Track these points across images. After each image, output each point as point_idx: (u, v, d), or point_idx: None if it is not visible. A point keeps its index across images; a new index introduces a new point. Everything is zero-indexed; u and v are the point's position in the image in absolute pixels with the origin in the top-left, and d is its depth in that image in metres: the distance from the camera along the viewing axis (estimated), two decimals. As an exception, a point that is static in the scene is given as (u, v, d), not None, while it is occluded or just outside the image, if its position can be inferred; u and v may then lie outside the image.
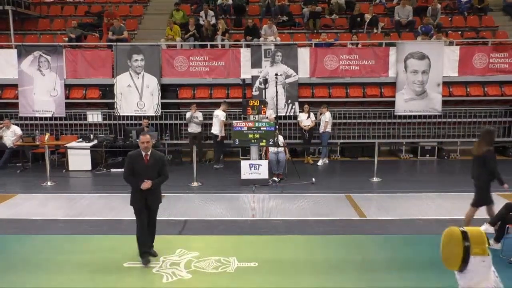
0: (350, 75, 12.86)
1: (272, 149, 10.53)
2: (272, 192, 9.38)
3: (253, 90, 12.81)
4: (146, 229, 5.84)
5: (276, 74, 11.74)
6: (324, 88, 13.13)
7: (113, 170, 11.41)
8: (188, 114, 12.24)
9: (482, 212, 7.62)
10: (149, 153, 5.72)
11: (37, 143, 11.83)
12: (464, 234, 2.52)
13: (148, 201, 5.78)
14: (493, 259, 6.19)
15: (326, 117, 12.12)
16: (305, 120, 12.20)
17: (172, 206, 8.38)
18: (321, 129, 12.20)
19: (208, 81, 13.00)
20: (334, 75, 12.86)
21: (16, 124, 12.27)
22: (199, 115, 12.22)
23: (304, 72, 12.85)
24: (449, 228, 2.64)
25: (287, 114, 12.86)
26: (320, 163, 12.17)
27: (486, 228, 6.68)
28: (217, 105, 13.16)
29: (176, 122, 13.08)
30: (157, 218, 7.67)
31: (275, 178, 10.09)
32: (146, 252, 5.85)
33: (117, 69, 12.76)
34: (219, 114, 11.72)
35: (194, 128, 12.23)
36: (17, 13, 14.86)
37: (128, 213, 7.76)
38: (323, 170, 11.71)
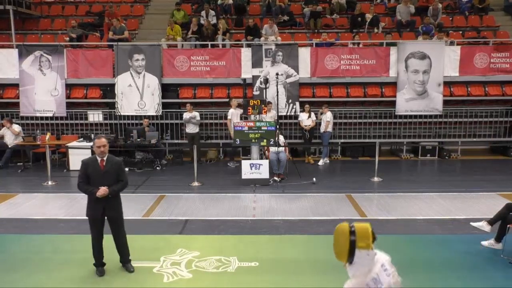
0: (351, 75, 12.85)
1: (272, 149, 10.53)
2: (273, 192, 9.38)
3: (254, 90, 12.81)
4: (100, 242, 5.54)
5: (277, 74, 11.75)
6: (325, 88, 13.13)
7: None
8: (185, 115, 12.22)
9: (480, 212, 7.64)
10: (105, 158, 5.35)
11: (38, 142, 11.84)
12: (352, 230, 2.80)
13: (106, 211, 5.41)
14: (494, 258, 6.21)
15: (327, 116, 12.12)
16: (306, 120, 12.20)
17: (173, 206, 8.39)
18: (322, 129, 12.21)
19: (208, 80, 13.00)
20: (335, 75, 12.86)
21: (17, 124, 12.29)
22: (196, 115, 12.21)
23: (305, 72, 12.85)
24: (340, 224, 2.89)
25: (288, 114, 12.86)
26: (321, 162, 12.17)
27: (482, 225, 6.69)
28: (217, 105, 13.22)
29: (176, 121, 13.08)
30: (158, 217, 7.74)
31: (275, 178, 10.09)
32: (102, 264, 5.61)
33: (118, 68, 12.77)
34: (228, 113, 11.78)
35: (192, 128, 12.23)
36: (18, 12, 14.86)
37: (128, 213, 7.77)
38: (324, 170, 11.71)
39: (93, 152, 11.22)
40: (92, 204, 5.43)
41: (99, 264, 5.63)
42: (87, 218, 5.56)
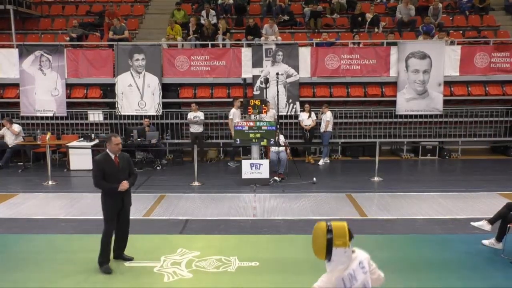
0: (351, 74, 12.85)
1: (273, 149, 10.53)
2: (273, 192, 9.38)
3: (254, 89, 12.81)
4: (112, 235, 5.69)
5: (277, 74, 11.76)
6: (325, 88, 13.13)
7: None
8: (189, 115, 12.24)
9: (481, 212, 7.64)
10: (117, 155, 5.58)
11: (39, 142, 11.85)
12: (329, 228, 2.90)
13: (124, 203, 5.67)
14: (494, 258, 6.20)
15: (327, 116, 12.11)
16: (306, 119, 12.20)
17: (173, 206, 8.40)
18: (322, 129, 12.21)
19: (209, 80, 13.00)
20: (335, 74, 12.85)
21: (17, 123, 12.31)
22: (200, 115, 12.23)
23: (305, 71, 12.84)
24: (318, 223, 2.99)
25: (288, 113, 12.86)
26: (321, 162, 12.17)
27: (482, 224, 6.69)
28: (217, 105, 13.22)
29: (177, 121, 13.09)
30: (159, 217, 7.78)
31: (276, 178, 10.09)
32: (108, 260, 5.68)
33: (118, 68, 12.77)
34: (230, 113, 11.79)
35: (196, 128, 12.25)
36: (19, 12, 14.87)
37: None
38: (324, 170, 11.71)
39: (93, 152, 11.40)
40: (112, 200, 5.58)
41: (109, 260, 5.69)
42: (100, 215, 5.71)
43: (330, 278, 2.93)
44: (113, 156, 5.55)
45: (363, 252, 3.08)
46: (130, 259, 5.86)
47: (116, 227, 5.70)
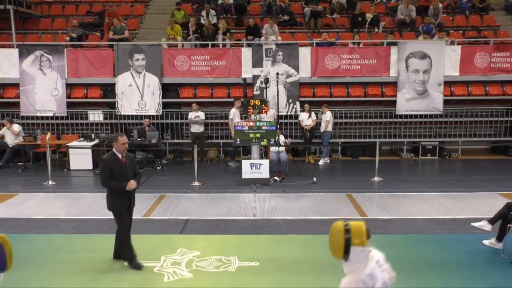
0: (351, 74, 12.85)
1: (273, 149, 10.53)
2: (273, 192, 9.38)
3: (254, 89, 12.81)
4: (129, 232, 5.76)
5: (277, 74, 11.76)
6: (325, 88, 13.13)
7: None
8: (190, 115, 12.25)
9: (481, 212, 7.64)
10: (124, 154, 5.64)
11: (39, 142, 11.85)
12: (346, 228, 2.91)
13: (130, 203, 5.75)
14: (494, 258, 6.21)
15: (327, 116, 12.11)
16: (306, 119, 12.20)
17: (173, 206, 8.40)
18: (322, 129, 12.20)
19: (209, 80, 13.00)
20: (335, 74, 12.85)
21: (18, 123, 12.31)
22: (201, 115, 12.23)
23: (305, 71, 12.84)
24: (335, 222, 3.02)
25: (288, 113, 12.86)
26: (321, 162, 12.17)
27: (483, 224, 6.70)
28: (217, 105, 13.22)
29: (177, 121, 13.09)
30: (159, 217, 7.81)
31: (276, 178, 10.09)
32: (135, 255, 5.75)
33: (118, 68, 12.77)
34: (230, 113, 11.79)
35: (196, 128, 12.25)
36: (19, 12, 14.87)
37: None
38: (324, 170, 11.71)
39: (93, 152, 11.40)
40: (121, 198, 5.63)
41: (135, 255, 5.72)
42: (110, 214, 5.76)
43: (350, 282, 2.91)
44: (120, 156, 5.60)
45: (378, 251, 3.09)
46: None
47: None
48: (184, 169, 11.43)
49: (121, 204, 5.64)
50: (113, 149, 5.61)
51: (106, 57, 12.99)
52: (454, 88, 13.00)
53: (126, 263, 5.81)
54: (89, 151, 11.47)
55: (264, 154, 11.26)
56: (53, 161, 11.23)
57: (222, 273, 5.58)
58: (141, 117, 12.80)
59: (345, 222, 2.95)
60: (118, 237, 5.82)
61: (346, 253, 2.90)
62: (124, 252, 5.75)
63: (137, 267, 5.65)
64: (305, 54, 12.84)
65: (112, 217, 6.61)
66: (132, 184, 5.54)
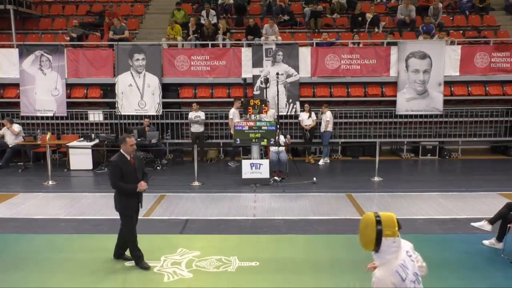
0: (351, 74, 12.85)
1: (273, 149, 10.53)
2: (273, 192, 9.38)
3: (254, 89, 12.81)
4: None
5: (277, 74, 11.76)
6: (325, 88, 13.13)
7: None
8: (190, 115, 12.25)
9: (481, 212, 7.64)
10: (132, 155, 5.62)
11: (39, 142, 11.85)
12: (378, 219, 2.90)
13: (140, 203, 5.74)
14: (494, 258, 6.20)
15: (327, 116, 12.11)
16: (306, 119, 12.20)
17: (173, 206, 8.40)
18: (322, 129, 12.20)
19: (209, 80, 13.00)
20: (335, 74, 12.85)
21: (18, 123, 12.32)
22: (201, 115, 12.23)
23: (305, 71, 12.84)
24: (366, 214, 2.99)
25: (288, 113, 12.86)
26: (321, 162, 12.17)
27: (483, 224, 6.70)
28: (217, 105, 13.22)
29: (177, 121, 13.09)
30: (159, 217, 7.82)
31: (276, 178, 10.09)
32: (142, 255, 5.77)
33: (118, 68, 12.77)
34: (230, 113, 11.79)
35: (196, 128, 12.25)
36: (19, 12, 14.87)
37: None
38: (324, 170, 11.71)
39: (93, 152, 11.40)
40: (130, 200, 5.62)
41: (142, 257, 5.72)
42: (119, 215, 5.76)
43: (385, 274, 2.89)
44: (128, 157, 5.58)
45: (407, 241, 3.10)
46: (131, 259, 5.85)
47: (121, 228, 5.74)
48: (184, 169, 11.43)
49: (131, 205, 5.63)
50: (121, 150, 5.58)
51: (106, 57, 12.99)
52: (454, 88, 13.00)
53: (127, 263, 5.81)
54: (89, 151, 11.47)
55: (264, 154, 11.26)
56: (53, 161, 11.23)
57: (222, 273, 5.58)
58: (141, 117, 12.80)
59: (376, 214, 2.95)
60: (120, 237, 5.82)
61: (377, 245, 2.89)
62: (132, 253, 5.73)
63: (145, 267, 5.66)
64: (305, 54, 12.84)
65: (112, 217, 6.62)
66: (142, 185, 5.55)
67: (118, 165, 5.51)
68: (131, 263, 5.80)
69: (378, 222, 2.89)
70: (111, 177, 5.55)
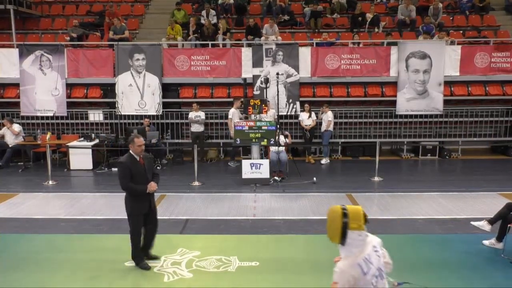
0: (351, 74, 12.85)
1: (273, 149, 10.53)
2: (273, 192, 9.38)
3: (254, 89, 12.81)
4: (141, 234, 5.72)
5: (277, 74, 11.76)
6: (325, 88, 13.13)
7: (114, 169, 11.42)
8: (191, 114, 12.25)
9: (481, 212, 7.64)
10: (141, 155, 5.58)
11: (39, 142, 11.85)
12: (344, 212, 2.90)
13: (151, 205, 5.68)
14: (494, 258, 6.19)
15: (329, 116, 12.13)
16: (306, 119, 12.21)
17: (173, 206, 8.40)
18: (323, 128, 12.20)
19: (209, 80, 13.00)
20: (336, 74, 12.85)
21: (18, 123, 12.32)
22: (201, 114, 12.23)
23: (305, 71, 12.85)
24: (333, 206, 3.00)
25: (288, 113, 12.86)
26: (324, 161, 12.21)
27: (483, 224, 6.70)
28: (218, 105, 13.23)
29: (177, 121, 13.09)
30: (159, 217, 7.70)
31: (276, 178, 10.10)
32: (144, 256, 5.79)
33: (118, 68, 12.77)
34: (229, 113, 11.79)
35: (196, 128, 12.25)
36: (19, 12, 14.87)
37: (129, 212, 7.80)
38: (324, 170, 11.71)
39: (93, 152, 11.41)
40: (140, 201, 5.57)
41: (142, 257, 5.75)
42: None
43: (346, 267, 2.91)
44: (137, 158, 5.54)
45: (375, 236, 3.09)
46: (156, 257, 5.85)
47: (145, 229, 5.72)
48: (184, 169, 11.43)
49: (140, 206, 5.58)
50: (130, 151, 5.54)
51: (106, 57, 12.99)
52: (454, 88, 13.00)
53: (127, 263, 5.80)
54: (89, 151, 11.47)
55: (264, 154, 11.26)
56: (53, 161, 11.23)
57: (222, 273, 5.58)
58: (141, 117, 12.80)
59: (343, 206, 2.95)
60: (144, 238, 5.78)
61: (343, 237, 2.89)
62: (132, 252, 5.72)
63: (145, 267, 5.66)
64: (305, 54, 12.84)
65: (112, 217, 6.63)
66: (152, 186, 5.52)
67: (127, 166, 5.46)
68: (131, 262, 5.80)
69: (345, 215, 2.89)
70: (121, 178, 5.48)
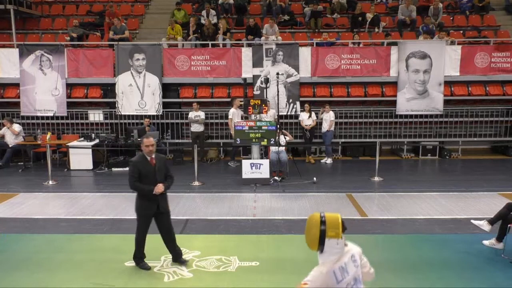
0: (352, 74, 12.85)
1: (273, 149, 10.53)
2: (274, 192, 9.39)
3: (255, 89, 12.81)
4: (145, 238, 5.68)
5: (278, 74, 11.76)
6: (326, 88, 13.13)
7: (114, 169, 11.44)
8: (190, 114, 12.25)
9: (481, 212, 7.64)
10: (153, 156, 5.53)
11: (39, 142, 11.85)
12: (322, 220, 2.93)
13: (160, 206, 5.57)
14: (494, 258, 6.19)
15: (331, 116, 12.14)
16: (306, 119, 12.21)
17: (174, 205, 8.33)
18: (325, 128, 12.19)
19: (209, 80, 13.00)
20: (336, 74, 12.85)
21: (18, 123, 12.33)
22: (201, 114, 12.23)
23: (305, 71, 12.85)
24: (312, 214, 3.03)
25: (289, 113, 12.86)
26: (328, 161, 12.23)
27: (483, 224, 6.70)
28: (218, 105, 13.23)
29: (177, 121, 13.09)
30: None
31: (276, 178, 10.09)
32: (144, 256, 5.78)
33: (118, 68, 12.78)
34: (229, 113, 11.81)
35: (196, 127, 12.26)
36: (19, 12, 14.87)
37: (129, 212, 7.78)
38: (324, 170, 11.71)
39: (93, 152, 11.41)
40: (146, 202, 5.55)
41: (143, 256, 5.75)
42: (133, 215, 5.71)
43: (321, 271, 2.92)
44: (148, 158, 5.51)
45: (356, 246, 3.09)
46: (185, 262, 5.80)
47: (161, 235, 5.72)
48: (184, 169, 11.42)
49: (147, 206, 5.55)
50: (142, 151, 5.57)
51: (106, 57, 12.99)
52: (454, 88, 13.00)
53: (127, 263, 5.80)
54: (89, 151, 11.47)
55: (264, 154, 11.26)
56: (53, 161, 11.23)
57: (222, 273, 5.58)
58: (141, 117, 12.81)
59: (322, 214, 2.97)
60: (164, 241, 5.77)
61: (321, 245, 2.91)
62: (134, 252, 5.72)
63: (145, 267, 5.66)
64: (305, 54, 12.84)
65: (112, 217, 6.62)
66: (159, 187, 5.44)
67: (136, 165, 5.48)
68: (131, 262, 5.80)
69: (323, 222, 2.91)
70: (129, 177, 5.50)
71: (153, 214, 5.60)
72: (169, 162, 12.04)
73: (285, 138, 11.08)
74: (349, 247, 3.02)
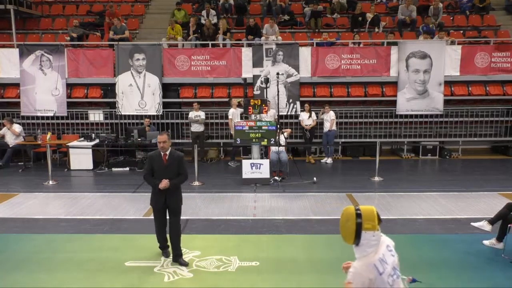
0: (352, 74, 12.85)
1: (273, 149, 10.53)
2: (274, 191, 9.38)
3: (255, 89, 12.81)
4: (164, 229, 5.92)
5: (278, 74, 11.75)
6: (326, 88, 13.13)
7: (114, 169, 11.44)
8: (191, 114, 12.25)
9: (481, 212, 7.64)
10: (167, 152, 5.71)
11: (39, 142, 11.85)
12: (358, 213, 2.90)
13: (167, 202, 5.77)
14: (494, 258, 6.19)
15: (332, 115, 12.14)
16: (307, 119, 12.21)
17: (174, 205, 8.38)
18: (327, 128, 12.18)
19: (209, 80, 13.00)
20: (336, 74, 12.85)
21: (18, 123, 12.33)
22: (201, 114, 12.23)
23: (305, 71, 12.85)
24: (346, 207, 2.99)
25: (289, 113, 12.86)
26: (329, 160, 12.21)
27: (483, 224, 6.70)
28: (218, 105, 13.23)
29: (177, 121, 13.09)
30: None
31: (276, 178, 10.09)
32: (166, 247, 6.02)
33: (118, 68, 12.78)
34: (229, 113, 11.82)
35: (197, 127, 12.26)
36: (19, 12, 14.87)
37: (129, 212, 7.81)
38: (324, 169, 11.70)
39: (93, 152, 11.42)
40: (155, 195, 5.80)
41: (164, 247, 6.02)
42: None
43: (362, 267, 2.88)
44: (162, 154, 5.71)
45: (388, 238, 3.10)
46: (185, 264, 5.81)
47: (168, 226, 5.93)
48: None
49: (155, 200, 5.80)
50: None
51: (106, 57, 12.99)
52: (454, 88, 13.00)
53: (127, 263, 5.80)
54: (90, 151, 11.47)
55: (265, 154, 11.26)
56: (53, 161, 11.23)
57: (222, 273, 5.58)
58: (142, 117, 12.81)
59: (356, 207, 2.95)
60: (171, 238, 5.94)
61: (357, 238, 2.88)
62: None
63: (165, 256, 5.93)
64: (305, 54, 12.84)
65: (112, 217, 6.61)
66: (163, 183, 5.60)
67: (150, 160, 5.78)
68: (131, 262, 5.80)
69: (358, 215, 2.89)
70: (144, 169, 5.93)
71: (162, 208, 5.80)
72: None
73: (283, 134, 11.04)
74: (383, 238, 3.01)
